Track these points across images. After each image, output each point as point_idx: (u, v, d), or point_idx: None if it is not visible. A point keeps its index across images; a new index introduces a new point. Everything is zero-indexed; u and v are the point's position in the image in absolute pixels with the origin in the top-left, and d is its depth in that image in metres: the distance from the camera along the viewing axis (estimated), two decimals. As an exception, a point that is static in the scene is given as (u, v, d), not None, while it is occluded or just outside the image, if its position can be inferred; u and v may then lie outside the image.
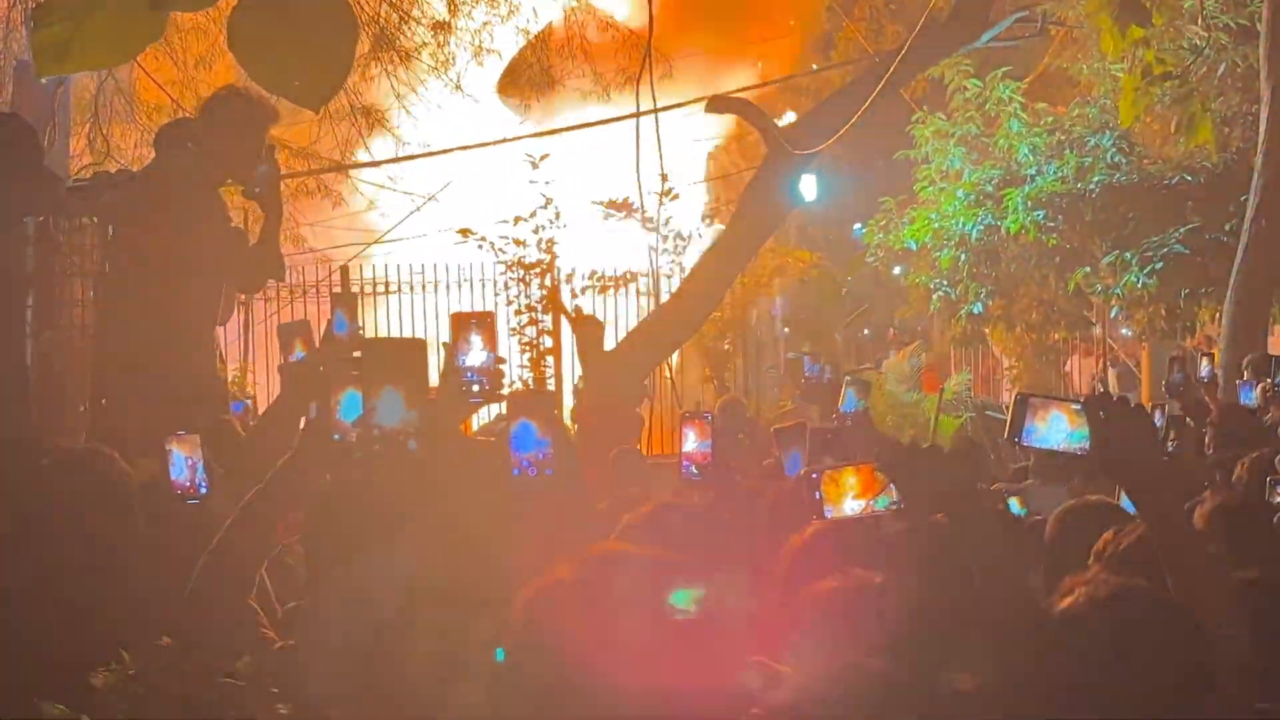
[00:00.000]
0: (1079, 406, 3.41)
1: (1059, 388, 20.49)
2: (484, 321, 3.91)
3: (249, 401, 10.62)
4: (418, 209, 16.53)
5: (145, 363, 6.38)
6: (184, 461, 4.46)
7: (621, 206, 15.16)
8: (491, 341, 3.84)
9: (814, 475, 3.73)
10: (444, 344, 3.91)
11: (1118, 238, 14.78)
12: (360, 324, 5.14)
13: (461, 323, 3.91)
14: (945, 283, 15.99)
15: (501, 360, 3.93)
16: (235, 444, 5.23)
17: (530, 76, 16.86)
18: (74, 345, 8.00)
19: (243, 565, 3.64)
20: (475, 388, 3.83)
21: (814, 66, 19.79)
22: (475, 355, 3.82)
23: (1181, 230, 14.08)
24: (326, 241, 16.74)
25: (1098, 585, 3.04)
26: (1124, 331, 19.47)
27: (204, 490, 4.47)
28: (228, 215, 6.98)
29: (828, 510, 3.70)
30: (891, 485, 3.56)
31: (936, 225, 15.98)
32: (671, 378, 16.27)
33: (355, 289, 15.64)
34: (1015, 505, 6.39)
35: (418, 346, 3.60)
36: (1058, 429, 3.46)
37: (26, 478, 4.17)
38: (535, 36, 16.02)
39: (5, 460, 4.58)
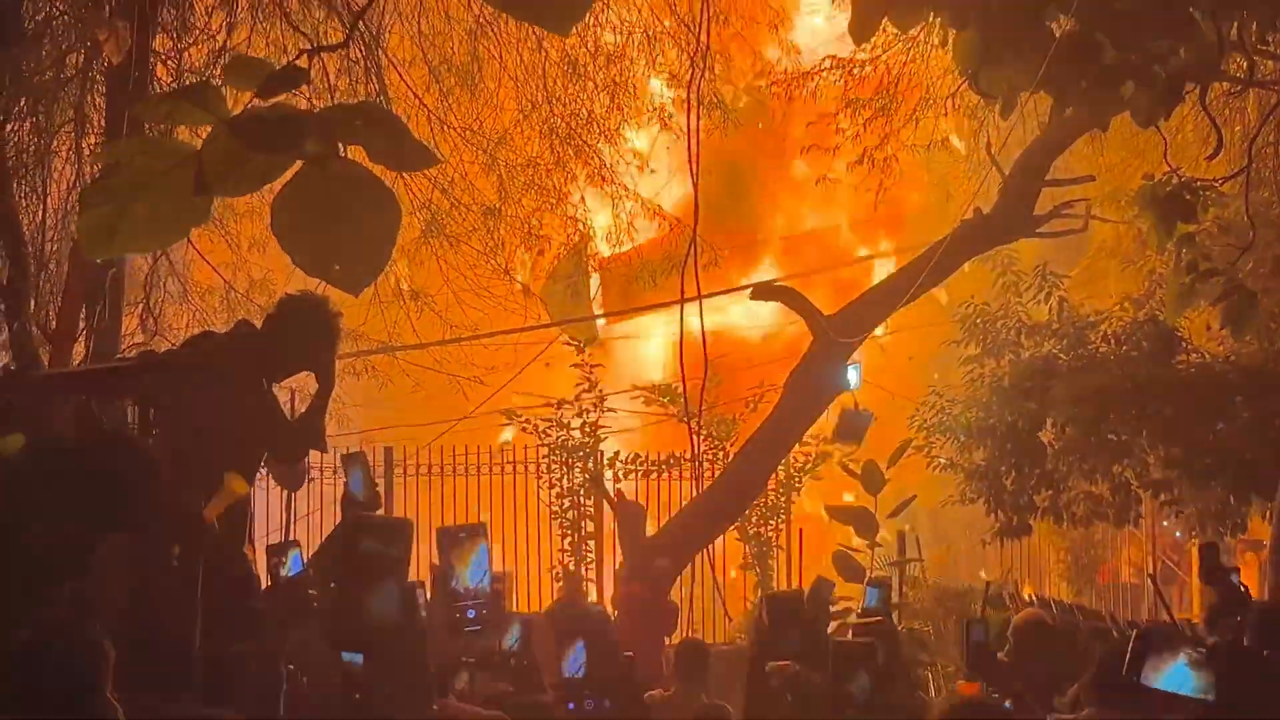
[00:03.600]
0: (1202, 654, 3.28)
1: (1106, 581, 20.18)
2: (474, 535, 3.40)
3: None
4: (473, 413, 16.57)
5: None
6: None
7: (665, 392, 15.18)
8: (485, 557, 3.28)
9: None
10: (432, 564, 3.39)
11: (1165, 432, 14.61)
12: (377, 485, 4.91)
13: (449, 539, 3.40)
14: (988, 474, 15.70)
15: (499, 580, 3.42)
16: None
17: (580, 264, 17.01)
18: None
19: None
20: (470, 614, 3.33)
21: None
22: (469, 576, 3.30)
23: (1229, 425, 13.92)
24: (372, 422, 16.78)
25: None
26: (1164, 524, 19.19)
27: None
28: (263, 382, 6.69)
29: None
30: None
31: (981, 421, 15.66)
32: (712, 566, 16.09)
33: (399, 470, 15.64)
34: None
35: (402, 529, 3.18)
36: (1178, 675, 3.33)
37: None
38: (583, 229, 16.15)
39: None
